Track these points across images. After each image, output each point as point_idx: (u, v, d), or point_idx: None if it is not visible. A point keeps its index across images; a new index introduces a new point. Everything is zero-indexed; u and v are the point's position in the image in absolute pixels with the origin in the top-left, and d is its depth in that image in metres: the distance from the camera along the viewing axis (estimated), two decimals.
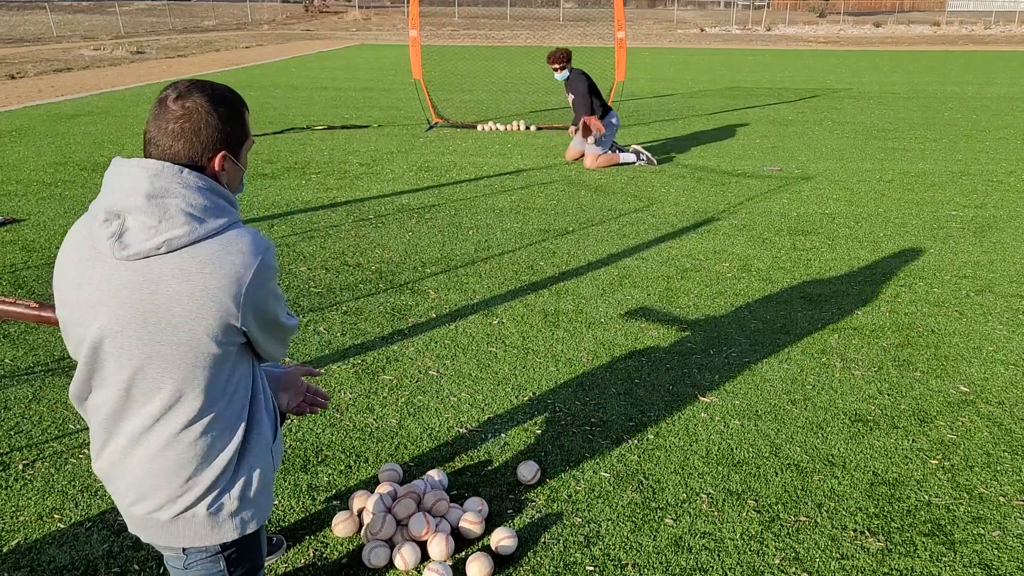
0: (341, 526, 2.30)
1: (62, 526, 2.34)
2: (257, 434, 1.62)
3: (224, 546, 1.62)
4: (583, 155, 7.44)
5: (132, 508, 1.58)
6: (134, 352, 1.47)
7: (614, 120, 7.29)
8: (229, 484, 1.58)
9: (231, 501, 1.58)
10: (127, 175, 1.45)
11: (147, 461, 1.53)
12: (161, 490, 1.54)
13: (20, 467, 2.62)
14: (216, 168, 1.53)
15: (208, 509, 1.56)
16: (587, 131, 7.19)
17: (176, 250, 1.43)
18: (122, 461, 1.55)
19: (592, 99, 7.18)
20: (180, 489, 1.54)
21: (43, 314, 1.96)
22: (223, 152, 1.52)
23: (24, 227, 5.24)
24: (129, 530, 1.66)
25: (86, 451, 2.71)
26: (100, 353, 1.49)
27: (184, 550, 1.61)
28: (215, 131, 1.51)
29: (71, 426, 2.86)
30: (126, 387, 1.50)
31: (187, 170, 1.46)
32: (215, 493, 1.56)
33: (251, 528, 1.63)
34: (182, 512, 1.56)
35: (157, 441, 1.52)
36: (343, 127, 9.36)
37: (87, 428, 2.85)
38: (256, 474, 1.62)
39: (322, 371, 2.18)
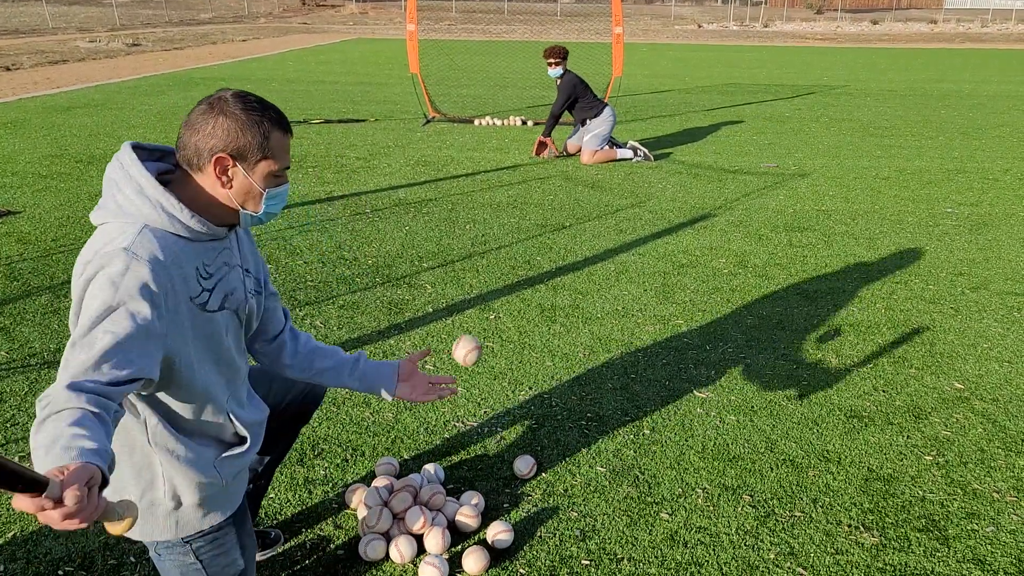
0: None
1: None
2: (181, 447, 1.58)
3: (186, 539, 1.64)
4: (580, 150, 7.45)
5: None
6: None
7: (612, 116, 7.30)
8: (158, 484, 1.58)
9: (165, 501, 1.59)
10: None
11: None
12: None
13: (16, 459, 2.62)
14: (213, 172, 1.50)
15: (140, 498, 1.57)
16: (541, 147, 7.50)
17: (98, 226, 1.50)
18: None
19: (573, 108, 7.36)
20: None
21: None
22: (220, 155, 1.48)
23: (19, 219, 5.22)
24: None
25: None
26: None
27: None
28: (222, 130, 1.47)
29: None
30: None
31: (138, 161, 1.49)
32: (143, 487, 1.57)
33: (186, 531, 1.63)
34: (118, 493, 1.57)
35: None
36: (340, 121, 9.34)
37: None
38: (186, 485, 1.60)
39: (431, 351, 2.19)
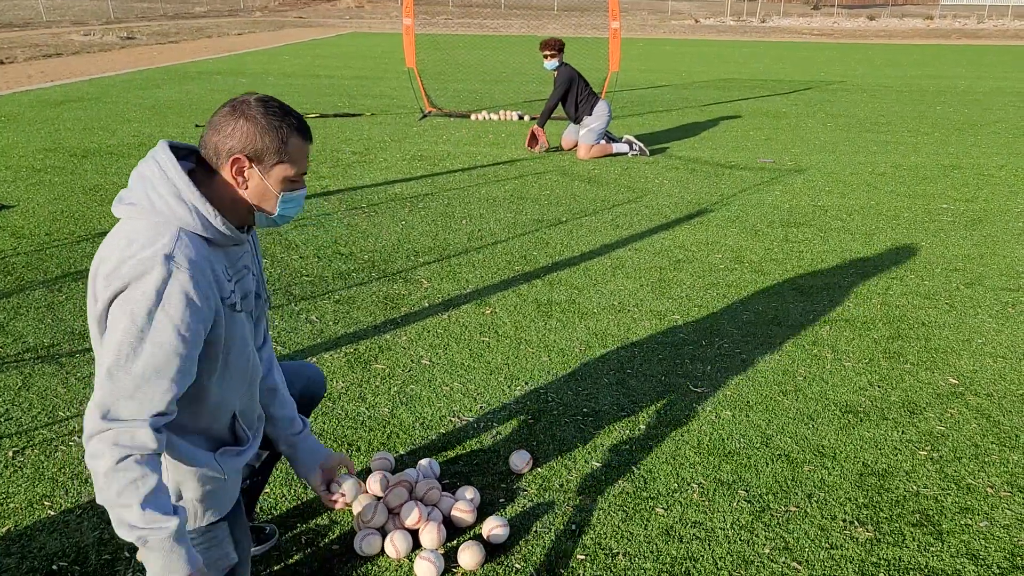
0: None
1: (52, 513, 2.33)
2: (184, 442, 1.59)
3: None
4: (576, 145, 7.44)
5: None
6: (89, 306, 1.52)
7: (607, 111, 7.29)
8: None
9: None
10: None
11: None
12: None
13: (10, 454, 2.61)
14: (230, 172, 1.54)
15: None
16: (533, 140, 7.48)
17: (123, 220, 1.49)
18: None
19: (568, 102, 7.32)
20: None
21: None
22: (237, 156, 1.52)
23: (13, 213, 5.20)
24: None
25: (76, 438, 2.70)
26: None
27: None
28: (243, 134, 1.51)
29: (61, 413, 2.85)
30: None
31: (177, 164, 1.48)
32: None
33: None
34: None
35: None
36: (336, 115, 9.31)
37: (78, 415, 2.84)
38: (188, 480, 1.60)
39: (355, 471, 2.08)
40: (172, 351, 1.41)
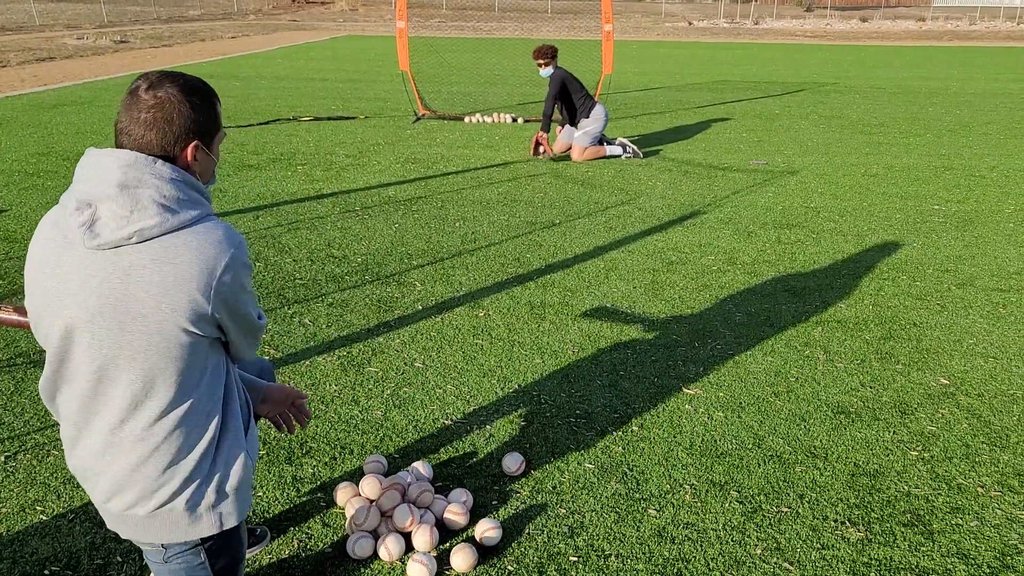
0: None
1: (44, 518, 2.33)
2: (232, 428, 1.61)
3: (204, 538, 1.62)
4: (571, 148, 7.45)
5: (108, 504, 1.56)
6: (104, 343, 1.45)
7: (603, 114, 7.30)
8: (206, 478, 1.56)
9: (209, 495, 1.57)
10: (100, 165, 1.45)
11: (121, 455, 1.52)
12: (136, 485, 1.53)
13: (2, 459, 2.60)
14: (188, 158, 1.53)
15: (186, 504, 1.55)
16: (537, 148, 7.42)
17: (147, 240, 1.43)
18: (96, 456, 1.54)
19: (562, 104, 7.29)
20: (156, 483, 1.53)
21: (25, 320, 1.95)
22: (195, 142, 1.53)
23: (6, 218, 5.19)
24: (108, 527, 1.65)
25: None
26: (70, 344, 1.48)
27: (164, 544, 1.60)
28: (187, 120, 1.51)
29: (53, 418, 2.84)
30: (96, 379, 1.49)
31: (160, 161, 1.47)
32: (192, 487, 1.55)
33: (230, 523, 1.62)
34: (159, 507, 1.55)
35: (130, 434, 1.50)
36: (329, 118, 9.31)
37: None
38: (233, 469, 1.61)
39: (308, 395, 2.09)
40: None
